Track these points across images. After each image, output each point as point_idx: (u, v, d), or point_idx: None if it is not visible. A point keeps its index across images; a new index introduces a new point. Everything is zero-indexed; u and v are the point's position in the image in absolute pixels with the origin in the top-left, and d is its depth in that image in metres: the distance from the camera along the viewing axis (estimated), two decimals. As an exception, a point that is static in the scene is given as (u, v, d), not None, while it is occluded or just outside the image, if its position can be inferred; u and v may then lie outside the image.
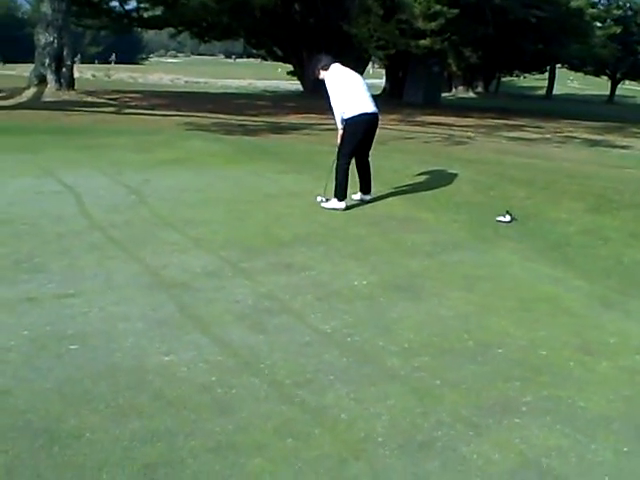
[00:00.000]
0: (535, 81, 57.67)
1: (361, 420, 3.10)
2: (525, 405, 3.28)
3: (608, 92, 52.16)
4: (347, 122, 7.12)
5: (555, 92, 51.94)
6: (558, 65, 50.16)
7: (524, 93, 54.39)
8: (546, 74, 51.77)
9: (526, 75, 55.62)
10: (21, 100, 19.18)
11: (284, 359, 3.66)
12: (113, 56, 71.05)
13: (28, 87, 20.61)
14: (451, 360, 3.75)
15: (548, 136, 18.97)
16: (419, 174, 8.89)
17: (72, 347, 3.71)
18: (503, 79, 55.73)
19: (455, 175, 8.82)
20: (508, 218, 6.87)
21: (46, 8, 20.27)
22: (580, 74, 56.02)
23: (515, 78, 59.76)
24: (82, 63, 46.99)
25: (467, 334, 4.11)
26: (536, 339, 4.08)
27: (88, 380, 3.35)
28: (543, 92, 52.82)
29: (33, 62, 21.45)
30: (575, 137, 19.16)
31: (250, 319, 4.21)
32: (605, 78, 53.22)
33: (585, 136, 19.51)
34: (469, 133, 17.80)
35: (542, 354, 3.88)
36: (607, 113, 32.63)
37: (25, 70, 25.27)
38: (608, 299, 4.91)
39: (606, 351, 3.96)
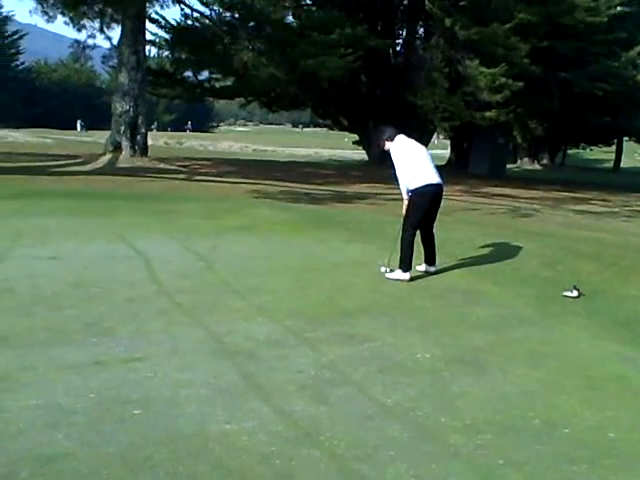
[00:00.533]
0: (602, 154, 56.99)
1: (422, 499, 3.04)
2: (593, 490, 3.18)
3: (678, 165, 51.15)
4: (412, 193, 7.18)
5: (623, 165, 51.18)
6: (626, 138, 49.57)
7: (591, 166, 53.77)
8: (613, 147, 51.17)
9: (593, 147, 55.07)
10: (97, 166, 19.92)
11: (345, 432, 3.64)
12: (189, 124, 73.43)
13: (104, 153, 21.43)
14: (515, 439, 3.66)
15: (616, 210, 18.63)
16: (484, 246, 8.84)
17: (136, 412, 3.77)
18: (569, 151, 55.26)
19: (520, 248, 8.73)
20: (575, 293, 6.74)
21: (123, 78, 21.22)
22: (649, 147, 55.18)
23: (581, 150, 59.18)
24: (158, 131, 48.65)
25: (532, 412, 4.02)
26: (604, 420, 3.96)
27: (150, 446, 3.39)
28: (610, 165, 52.11)
29: (109, 129, 22.33)
30: (644, 211, 18.76)
31: (312, 389, 4.21)
32: (675, 151, 52.27)
33: (655, 210, 19.09)
34: (535, 205, 17.64)
35: (610, 436, 3.75)
36: (678, 186, 31.89)
37: (101, 137, 26.30)
38: (681, 381, 4.74)
39: (679, 436, 3.81)
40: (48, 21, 22.49)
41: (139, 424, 3.63)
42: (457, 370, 4.68)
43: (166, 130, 64.46)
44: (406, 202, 7.28)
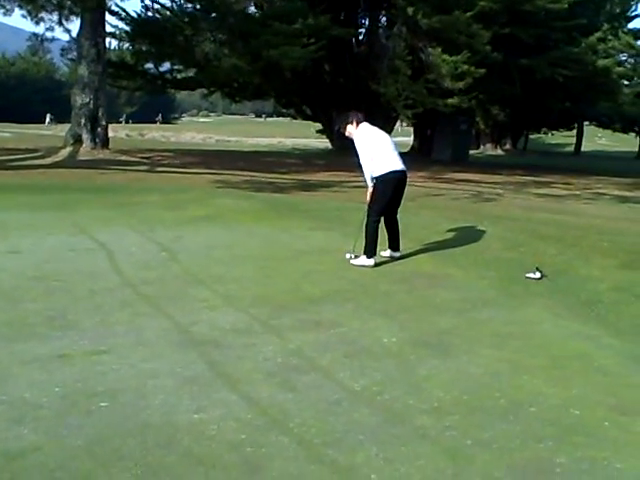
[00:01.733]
0: (563, 138, 57.74)
1: (391, 480, 3.06)
2: (559, 466, 3.22)
3: (637, 148, 51.97)
4: (377, 180, 7.19)
5: (583, 149, 51.93)
6: (586, 122, 50.27)
7: (552, 150, 54.43)
8: (574, 131, 51.86)
9: (554, 132, 55.74)
10: (57, 159, 19.62)
11: (313, 417, 3.64)
12: (159, 116, 73.11)
13: (64, 146, 21.13)
14: (482, 419, 3.70)
15: (577, 193, 18.89)
16: (448, 231, 8.90)
17: (102, 404, 3.73)
18: (531, 136, 55.82)
19: (484, 232, 8.81)
20: (538, 275, 6.82)
21: (83, 71, 20.91)
22: (608, 131, 56.00)
23: (543, 135, 59.88)
24: (118, 123, 48.09)
25: (498, 392, 4.06)
26: (569, 398, 4.02)
27: (118, 438, 3.36)
28: (571, 149, 52.85)
29: (69, 122, 22.02)
30: (605, 193, 19.05)
31: (279, 377, 4.20)
32: (633, 135, 53.10)
33: (615, 192, 19.40)
34: (498, 190, 17.81)
35: (575, 413, 3.81)
36: (636, 169, 32.45)
37: (62, 130, 25.90)
38: (642, 358, 4.83)
39: (641, 411, 3.88)
40: (5, 14, 22.00)
41: (106, 416, 3.59)
42: (423, 353, 4.71)
43: (127, 122, 63.73)
44: (370, 189, 7.29)
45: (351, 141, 7.45)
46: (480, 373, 4.37)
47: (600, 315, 5.83)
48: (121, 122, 61.20)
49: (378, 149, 7.25)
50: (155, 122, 68.19)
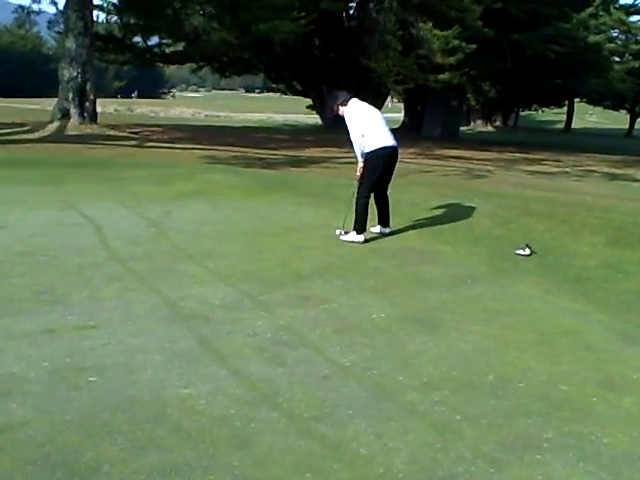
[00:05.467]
0: (554, 115, 57.72)
1: (380, 455, 3.07)
2: (547, 441, 3.24)
3: (627, 126, 52.03)
4: (367, 156, 7.16)
5: (574, 126, 51.92)
6: (577, 99, 50.21)
7: (543, 127, 54.40)
8: (565, 108, 51.81)
9: (545, 109, 55.68)
10: (45, 134, 19.42)
11: (303, 392, 3.65)
12: (135, 92, 72.42)
13: (52, 121, 20.88)
14: (471, 395, 3.71)
15: (567, 170, 18.91)
16: (438, 207, 8.89)
17: (91, 379, 3.72)
18: (522, 113, 55.76)
19: (474, 208, 8.81)
20: (527, 251, 6.83)
21: (70, 44, 20.62)
22: (599, 108, 56.00)
23: (534, 112, 59.83)
24: (106, 97, 47.65)
25: (487, 368, 4.08)
26: (557, 374, 4.04)
27: (106, 412, 3.35)
28: (562, 126, 52.83)
29: (57, 96, 21.78)
30: (594, 171, 19.07)
31: (269, 352, 4.20)
32: (624, 112, 53.13)
33: (604, 170, 19.43)
34: (488, 166, 17.80)
35: (563, 389, 3.83)
36: (626, 147, 32.50)
37: (49, 104, 25.64)
38: (629, 333, 4.86)
39: (629, 387, 3.91)
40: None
41: (95, 391, 3.59)
42: (412, 329, 4.72)
43: (115, 97, 63.13)
44: (361, 165, 7.25)
45: (342, 117, 7.40)
46: (469, 349, 4.39)
47: (589, 292, 5.85)
48: (133, 97, 60.41)
49: (369, 125, 7.21)
50: (131, 98, 67.23)
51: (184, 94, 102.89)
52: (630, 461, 3.10)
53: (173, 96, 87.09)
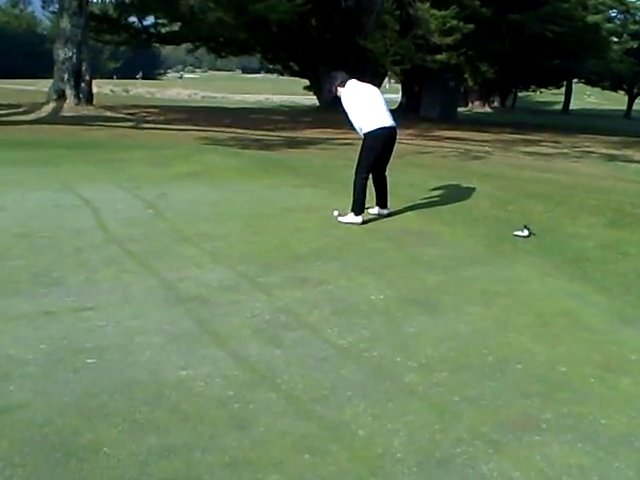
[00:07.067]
0: (552, 96, 57.54)
1: (379, 436, 3.07)
2: (545, 422, 3.24)
3: (625, 107, 51.95)
4: (365, 136, 7.13)
5: (572, 107, 51.83)
6: (575, 80, 50.09)
7: (541, 108, 54.29)
8: (563, 89, 51.67)
9: (543, 90, 55.52)
10: (40, 115, 19.35)
11: (301, 374, 3.64)
12: (140, 73, 72.30)
13: (47, 102, 20.79)
14: (469, 376, 3.71)
15: (565, 151, 18.89)
16: (436, 188, 8.86)
17: (89, 361, 3.71)
18: (520, 94, 55.67)
19: (472, 190, 8.79)
20: (526, 233, 6.82)
21: (65, 24, 20.47)
22: (597, 89, 55.93)
23: (532, 93, 59.66)
24: (101, 78, 47.42)
25: (485, 349, 4.07)
26: (555, 355, 4.04)
27: (105, 394, 3.35)
28: (560, 107, 52.73)
29: (52, 77, 21.66)
30: (592, 152, 19.06)
31: (267, 333, 4.20)
32: (622, 93, 53.02)
33: (603, 151, 19.42)
34: (486, 147, 17.76)
35: (562, 370, 3.83)
36: (624, 128, 32.49)
37: (44, 85, 25.51)
38: (627, 315, 4.86)
39: (627, 368, 3.91)
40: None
41: (93, 373, 3.58)
42: (411, 310, 4.71)
43: (111, 78, 62.77)
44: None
45: (339, 98, 7.35)
46: (468, 330, 4.38)
47: (587, 273, 5.85)
48: (138, 78, 60.11)
49: (367, 105, 7.16)
50: (136, 78, 67.30)
51: (178, 75, 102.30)
52: (628, 442, 3.11)
53: (181, 77, 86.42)
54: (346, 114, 7.23)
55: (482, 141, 19.64)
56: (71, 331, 4.11)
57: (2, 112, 19.81)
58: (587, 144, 21.45)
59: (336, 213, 7.25)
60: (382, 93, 7.62)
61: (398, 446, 2.99)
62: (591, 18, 28.56)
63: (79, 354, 3.79)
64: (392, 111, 7.55)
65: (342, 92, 7.24)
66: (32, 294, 4.73)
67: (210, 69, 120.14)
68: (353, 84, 7.28)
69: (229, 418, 3.18)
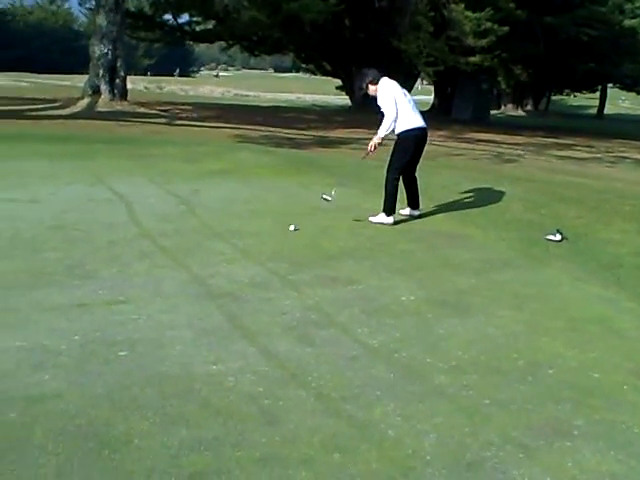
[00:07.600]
0: (586, 100, 56.85)
1: (408, 437, 3.06)
2: (577, 428, 3.21)
3: (661, 112, 51.17)
4: (399, 137, 7.10)
5: (606, 111, 51.13)
6: (610, 84, 49.42)
7: (575, 112, 53.66)
8: (597, 93, 51.02)
9: (577, 94, 54.87)
10: (75, 110, 19.55)
11: (331, 372, 3.65)
12: (177, 70, 73.10)
13: (82, 97, 21.01)
14: (500, 379, 3.69)
15: (599, 156, 18.66)
16: (467, 191, 8.81)
17: (121, 353, 3.75)
18: (553, 97, 55.02)
19: (504, 193, 8.72)
20: (558, 237, 6.76)
21: (101, 20, 20.67)
22: (632, 94, 55.05)
23: (566, 97, 58.97)
24: (135, 75, 47.76)
25: (516, 353, 4.04)
26: (587, 361, 4.00)
27: (136, 387, 3.38)
28: (594, 111, 52.04)
29: (88, 73, 21.88)
30: (627, 157, 18.81)
31: (297, 331, 4.21)
32: (658, 98, 52.24)
33: (637, 156, 19.13)
34: (519, 151, 17.62)
35: (594, 376, 3.79)
36: (660, 134, 31.97)
37: (80, 81, 25.79)
38: (662, 323, 4.79)
39: (661, 376, 3.86)
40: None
41: (125, 365, 3.62)
42: (441, 312, 4.69)
43: (145, 74, 63.26)
44: (377, 141, 7.12)
45: (371, 98, 7.31)
46: (498, 334, 4.35)
47: (620, 279, 5.77)
48: (175, 75, 60.63)
49: (400, 104, 7.12)
50: (173, 75, 68.20)
51: (213, 72, 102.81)
52: (661, 450, 3.06)
53: (217, 75, 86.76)
54: (381, 112, 7.14)
55: (514, 144, 19.47)
56: (104, 323, 4.16)
57: (38, 107, 20.05)
58: (621, 149, 21.17)
59: (292, 227, 6.73)
60: (414, 94, 7.59)
61: (428, 448, 2.98)
62: (628, 22, 28.15)
63: (111, 346, 3.83)
64: (423, 112, 7.52)
65: (377, 88, 7.17)
66: (66, 286, 4.79)
67: (243, 67, 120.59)
68: (387, 81, 7.23)
69: (259, 414, 3.19)
